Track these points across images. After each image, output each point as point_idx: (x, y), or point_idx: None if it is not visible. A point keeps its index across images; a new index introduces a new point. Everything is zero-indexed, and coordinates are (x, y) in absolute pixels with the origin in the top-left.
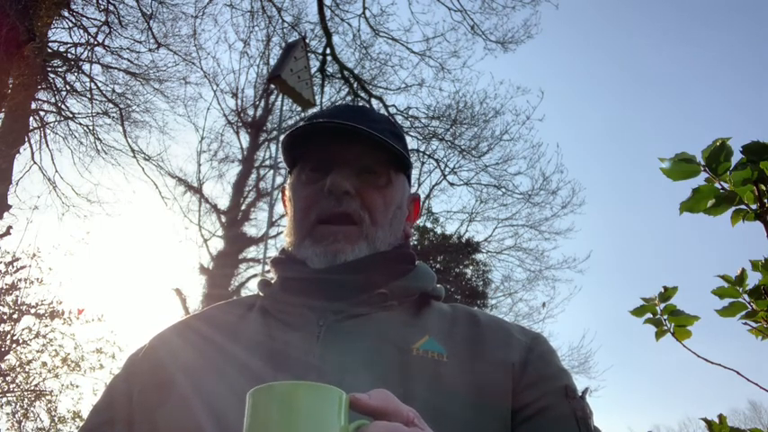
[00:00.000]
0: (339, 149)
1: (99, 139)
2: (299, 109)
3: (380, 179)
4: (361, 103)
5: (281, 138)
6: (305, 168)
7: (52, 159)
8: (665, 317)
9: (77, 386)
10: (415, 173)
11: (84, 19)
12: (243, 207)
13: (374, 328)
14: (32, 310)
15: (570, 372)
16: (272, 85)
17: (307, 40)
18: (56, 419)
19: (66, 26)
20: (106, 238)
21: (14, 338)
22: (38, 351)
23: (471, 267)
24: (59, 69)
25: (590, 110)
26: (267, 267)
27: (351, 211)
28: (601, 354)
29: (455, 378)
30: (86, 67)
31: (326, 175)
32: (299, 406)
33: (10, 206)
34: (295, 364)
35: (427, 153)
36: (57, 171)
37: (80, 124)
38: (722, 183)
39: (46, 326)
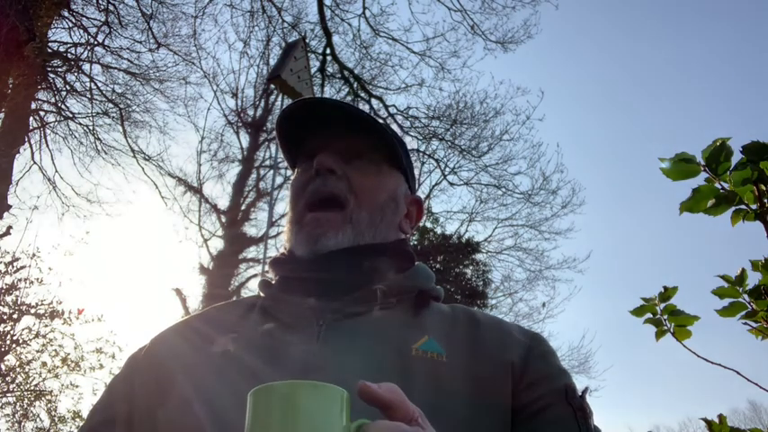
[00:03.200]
0: (333, 139)
1: (99, 139)
2: None
3: (370, 166)
4: (361, 104)
5: (281, 114)
6: (301, 159)
7: (52, 159)
8: (665, 317)
9: (77, 386)
10: (415, 173)
11: (84, 19)
12: (243, 207)
13: (373, 327)
14: (32, 310)
15: (570, 372)
16: (272, 85)
17: (307, 40)
18: (56, 419)
19: (67, 26)
20: (106, 238)
21: (14, 338)
22: (38, 351)
23: (471, 267)
24: (59, 69)
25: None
26: (267, 267)
27: (337, 192)
28: (601, 354)
29: (454, 378)
30: (86, 67)
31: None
32: (300, 405)
33: (10, 206)
34: (295, 363)
35: (427, 153)
36: (57, 171)
37: (80, 124)
38: (722, 183)
39: (46, 326)
